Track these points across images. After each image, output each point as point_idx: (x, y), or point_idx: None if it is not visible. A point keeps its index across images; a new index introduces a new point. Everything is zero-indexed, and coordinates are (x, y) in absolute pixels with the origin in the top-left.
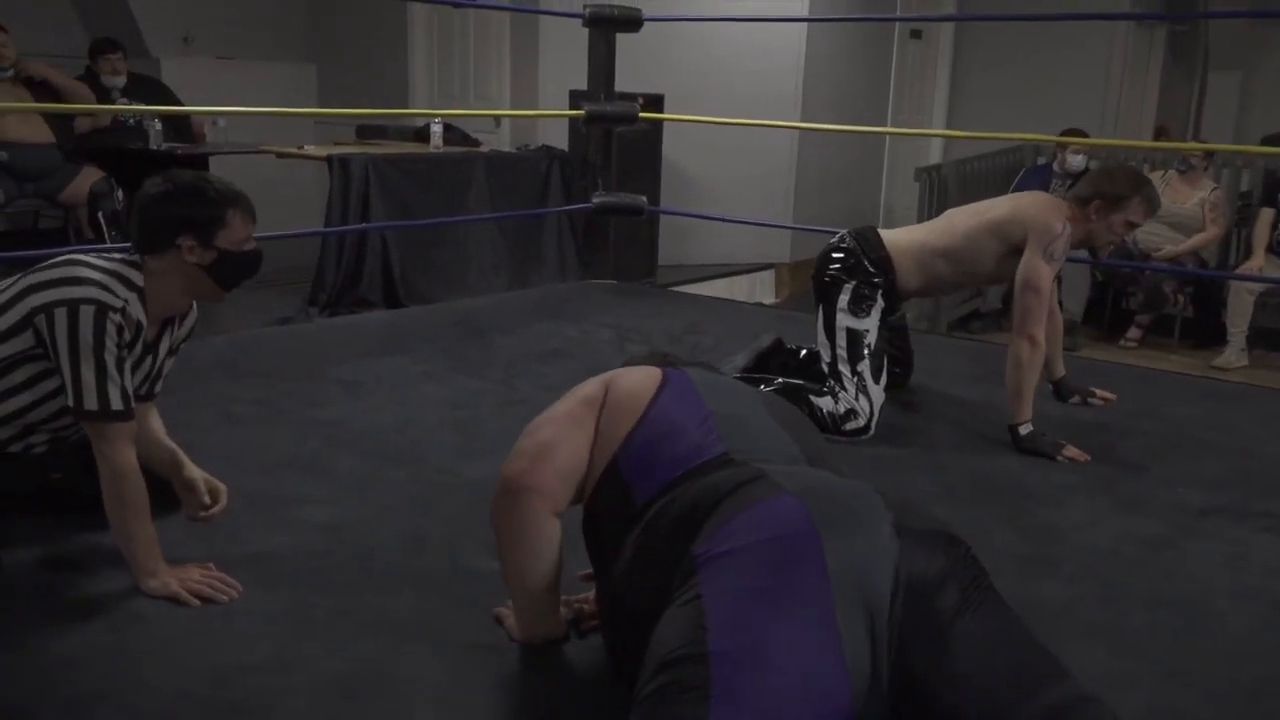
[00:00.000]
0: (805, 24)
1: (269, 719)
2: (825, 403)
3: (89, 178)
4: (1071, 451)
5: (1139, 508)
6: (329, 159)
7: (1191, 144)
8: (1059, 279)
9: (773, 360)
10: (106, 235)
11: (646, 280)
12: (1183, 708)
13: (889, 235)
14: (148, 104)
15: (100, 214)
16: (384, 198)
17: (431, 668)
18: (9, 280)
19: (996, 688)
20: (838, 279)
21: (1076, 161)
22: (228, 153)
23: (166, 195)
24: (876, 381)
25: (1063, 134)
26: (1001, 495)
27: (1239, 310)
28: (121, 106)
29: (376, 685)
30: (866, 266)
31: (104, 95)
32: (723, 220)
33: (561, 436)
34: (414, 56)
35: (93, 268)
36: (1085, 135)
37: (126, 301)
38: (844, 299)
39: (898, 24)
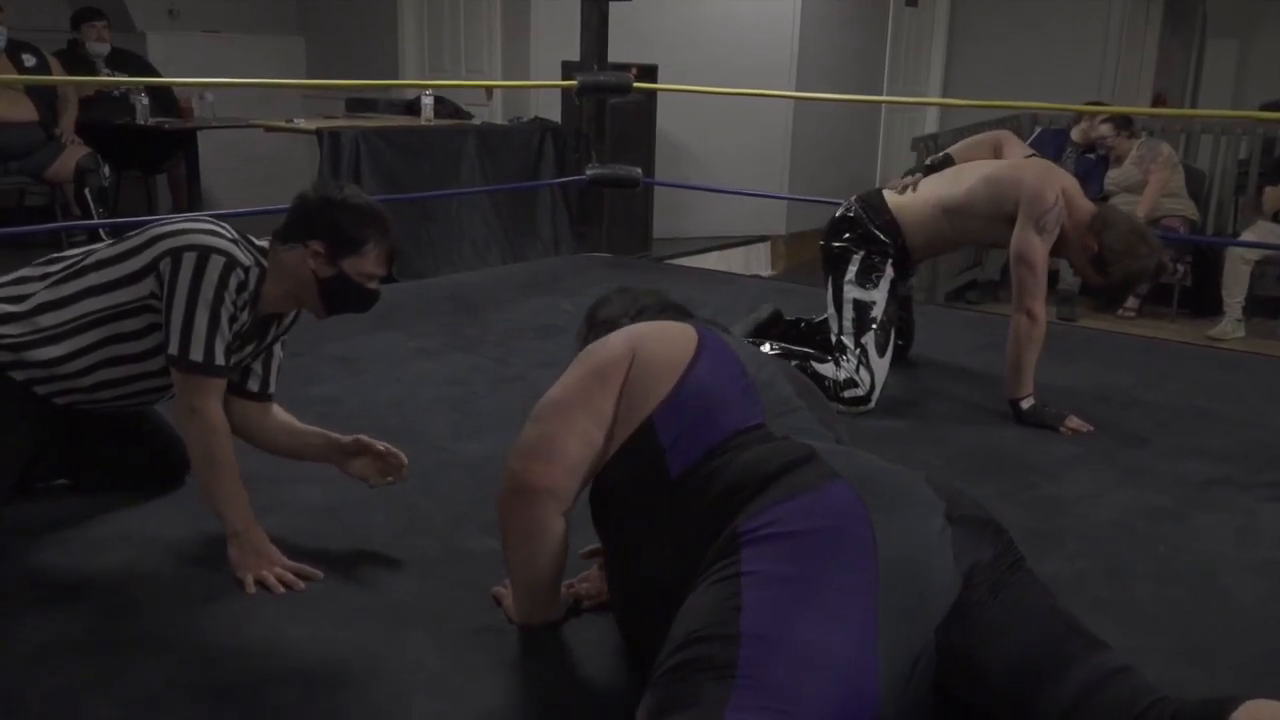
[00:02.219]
0: None
1: (260, 703)
2: (827, 369)
3: (75, 154)
4: (1074, 423)
5: (1143, 479)
6: (318, 132)
7: (1190, 110)
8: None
9: (772, 331)
10: (94, 211)
11: (641, 253)
12: (1192, 683)
13: (894, 197)
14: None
15: (87, 190)
16: (375, 171)
17: (429, 650)
18: (135, 231)
19: (1038, 657)
20: (846, 250)
21: (1105, 130)
22: (216, 127)
23: (327, 198)
24: (881, 355)
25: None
26: (1004, 468)
27: (1235, 280)
28: (109, 78)
29: (372, 668)
30: (875, 233)
31: (89, 66)
32: (718, 192)
33: (571, 428)
34: (404, 28)
35: (227, 230)
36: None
37: (249, 270)
38: (852, 270)
39: None
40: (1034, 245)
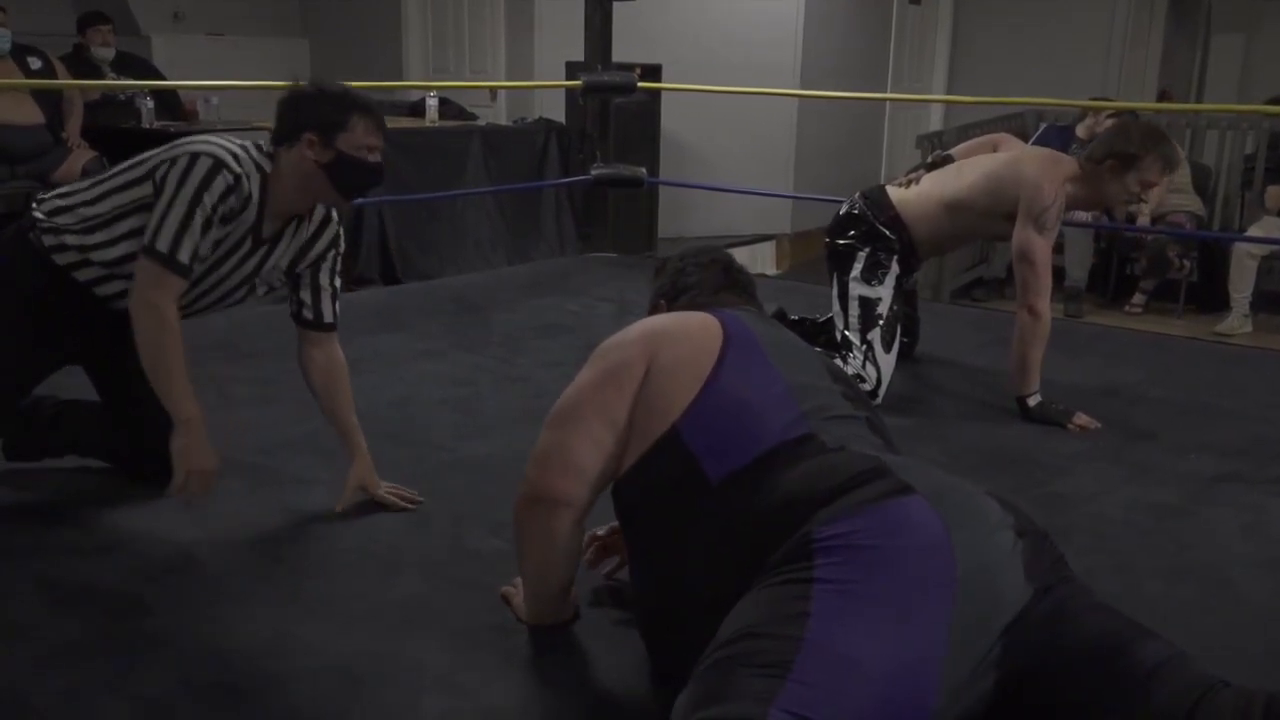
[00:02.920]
0: None
1: (270, 705)
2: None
3: (81, 157)
4: (1082, 419)
5: (1151, 475)
6: None
7: (1195, 105)
8: (1059, 246)
9: None
10: None
11: (647, 253)
12: None
13: (897, 192)
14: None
15: None
16: None
17: (437, 651)
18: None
19: (1098, 648)
20: (852, 247)
21: (1110, 126)
22: (221, 130)
23: (303, 93)
24: (887, 351)
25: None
26: (1011, 465)
27: (1241, 275)
28: (115, 82)
29: (381, 669)
30: (879, 230)
31: (94, 70)
32: (723, 191)
33: (585, 436)
34: (408, 30)
35: (229, 142)
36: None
37: (245, 175)
38: (857, 266)
39: None
40: (1034, 243)
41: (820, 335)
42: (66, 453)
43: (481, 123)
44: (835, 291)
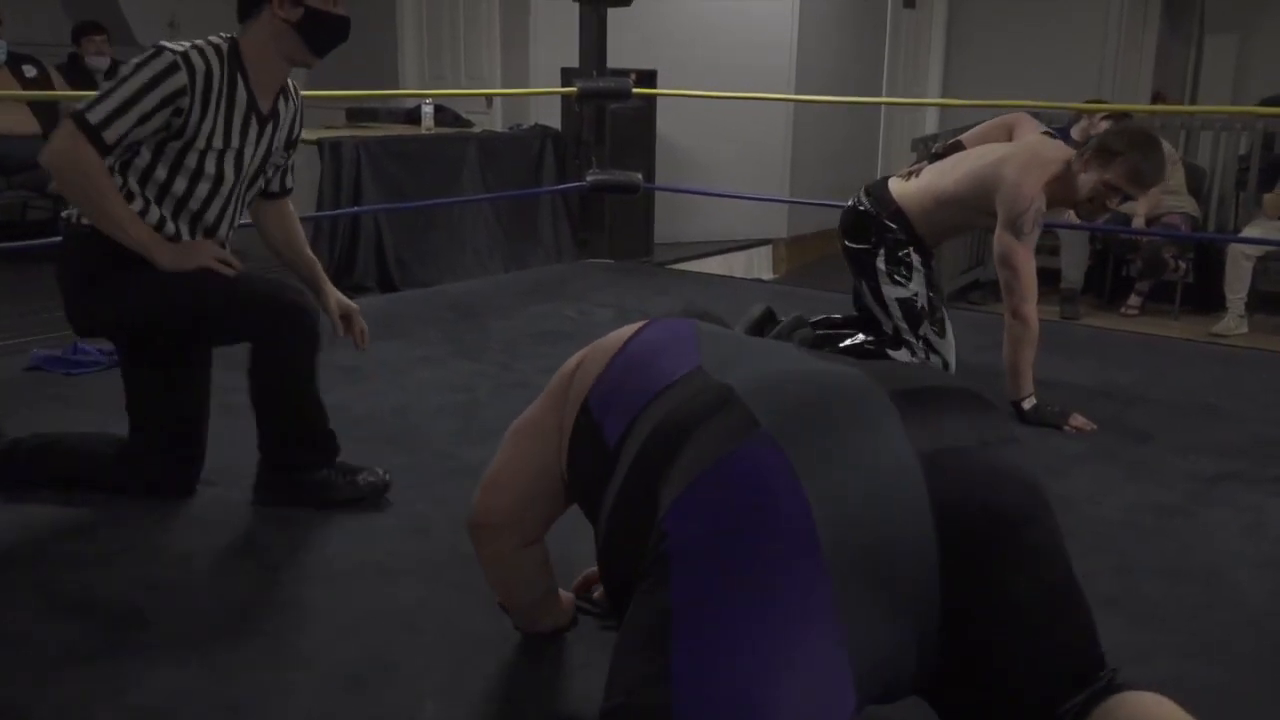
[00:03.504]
0: None
1: (270, 714)
2: (902, 355)
3: None
4: (1078, 421)
5: (1150, 476)
6: (319, 143)
7: (1189, 107)
8: (1055, 249)
9: (766, 329)
10: None
11: (644, 259)
12: (1204, 679)
13: (898, 185)
14: None
15: None
16: (376, 181)
17: (437, 658)
18: None
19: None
20: (868, 251)
21: (1105, 128)
22: None
23: None
24: (942, 336)
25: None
26: None
27: (1237, 276)
28: None
29: (381, 676)
30: (887, 225)
31: (88, 80)
32: (719, 196)
33: (521, 456)
34: (403, 37)
35: (201, 41)
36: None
37: (201, 54)
38: (882, 269)
39: None
40: (1013, 248)
41: (840, 335)
42: (44, 479)
43: (477, 130)
44: (870, 299)
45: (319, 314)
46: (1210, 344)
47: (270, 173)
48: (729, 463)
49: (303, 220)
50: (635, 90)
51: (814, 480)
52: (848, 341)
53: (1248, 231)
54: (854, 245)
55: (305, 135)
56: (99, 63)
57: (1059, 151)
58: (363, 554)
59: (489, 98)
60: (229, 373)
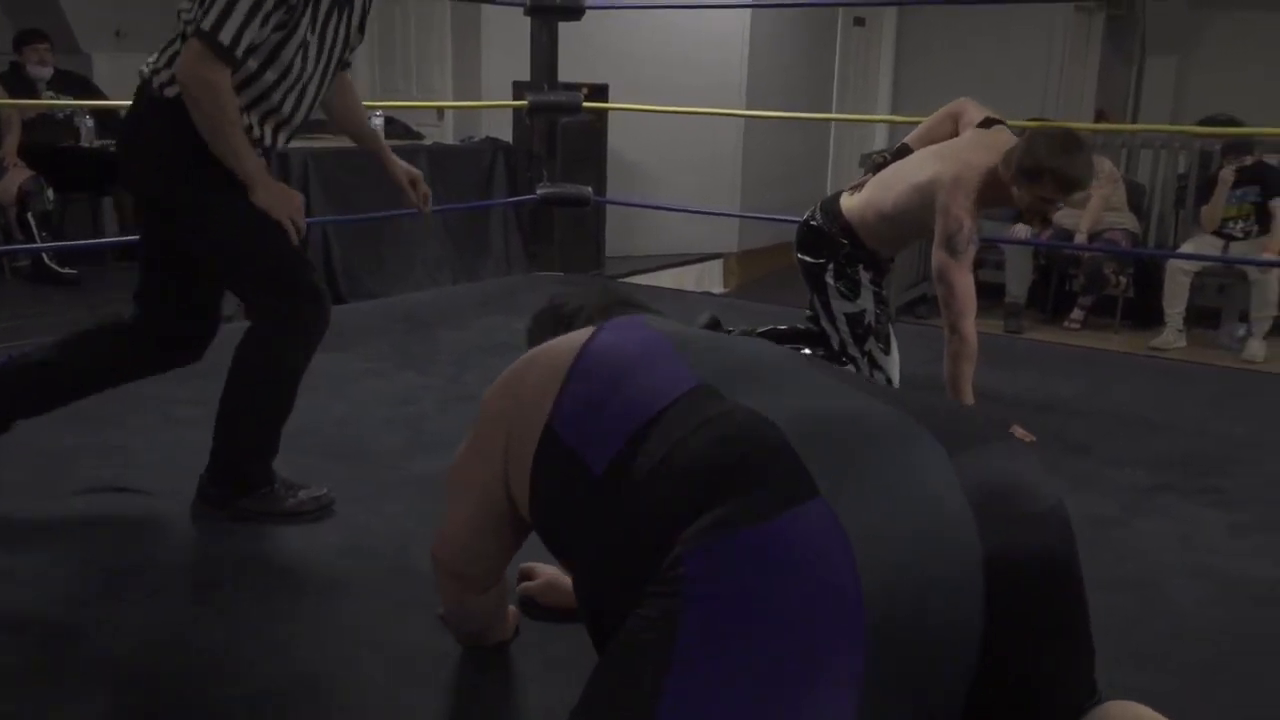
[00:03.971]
0: (749, 12)
1: None
2: (849, 370)
3: (17, 177)
4: (1018, 433)
5: (1088, 488)
6: (266, 153)
7: (1130, 126)
8: (999, 264)
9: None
10: (36, 235)
11: (594, 272)
12: (1136, 688)
13: (846, 200)
14: (74, 100)
15: (30, 213)
16: (324, 192)
17: (376, 674)
18: None
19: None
20: (819, 265)
21: None
22: None
23: None
24: (887, 353)
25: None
26: None
27: (1175, 291)
28: (52, 101)
29: (317, 694)
30: (838, 240)
31: (29, 89)
32: (669, 210)
33: (463, 505)
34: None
35: None
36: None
37: None
38: (832, 284)
39: (841, 11)
40: (949, 265)
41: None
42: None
43: (428, 142)
44: (820, 311)
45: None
46: (1149, 357)
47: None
48: (782, 529)
49: None
50: (586, 104)
51: (872, 571)
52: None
53: (1185, 248)
54: (807, 260)
55: None
56: (41, 72)
57: (991, 153)
58: (305, 567)
59: (440, 110)
60: (171, 385)
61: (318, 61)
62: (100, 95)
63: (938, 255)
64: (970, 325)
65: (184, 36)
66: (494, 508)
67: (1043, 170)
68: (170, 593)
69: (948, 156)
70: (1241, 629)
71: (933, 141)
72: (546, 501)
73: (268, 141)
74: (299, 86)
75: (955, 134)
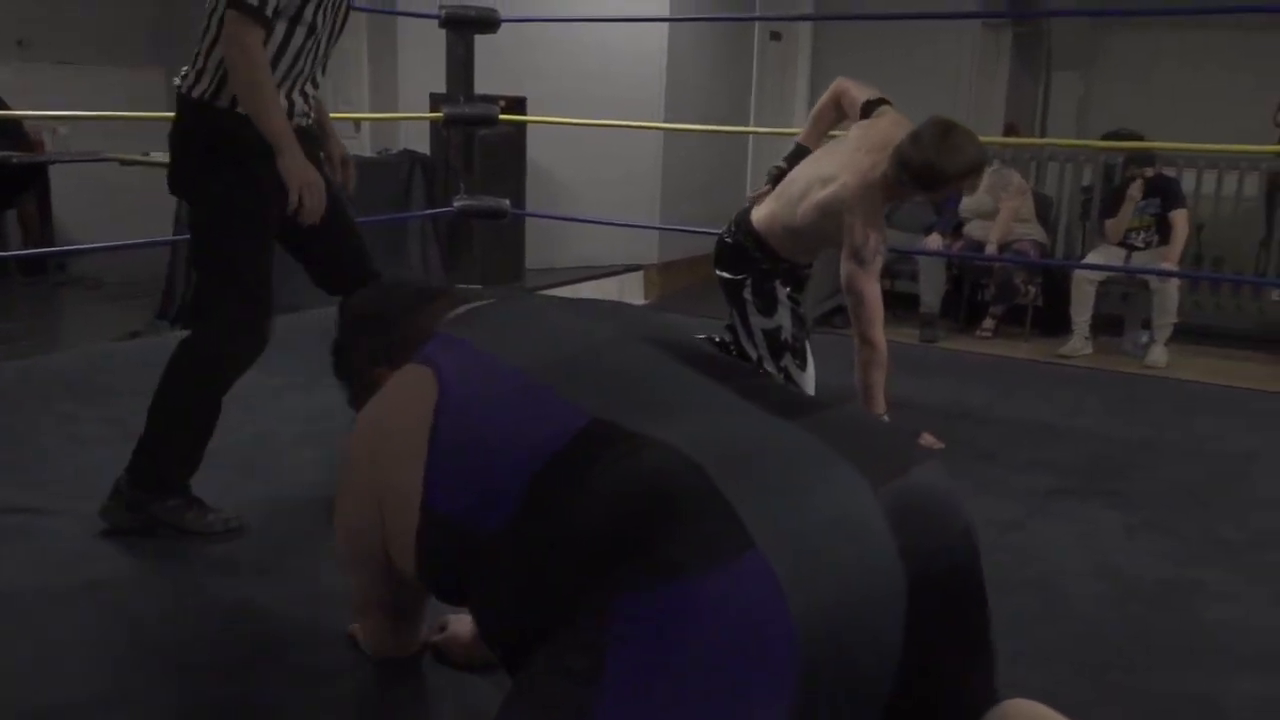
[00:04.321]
0: (666, 26)
1: None
2: None
3: None
4: (927, 440)
5: (992, 492)
6: None
7: (1037, 140)
8: (914, 274)
9: None
10: None
11: (514, 284)
12: (1035, 687)
13: (755, 214)
14: None
15: None
16: None
17: (285, 697)
18: None
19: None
20: (738, 281)
21: None
22: (69, 161)
23: None
24: (803, 369)
25: None
26: None
27: (1081, 300)
28: None
29: (228, 711)
30: (753, 255)
31: None
32: (589, 222)
33: (364, 579)
34: None
35: None
36: None
37: None
38: (750, 299)
39: (757, 25)
40: (857, 275)
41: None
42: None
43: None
44: (739, 326)
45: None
46: (1055, 365)
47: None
48: (719, 582)
49: (159, 245)
50: (503, 117)
51: (806, 619)
52: None
53: (1090, 258)
54: (726, 276)
55: (161, 158)
56: None
57: (882, 153)
58: (214, 586)
59: (356, 122)
60: (79, 404)
61: (326, 17)
62: (2, 106)
63: (846, 266)
64: (879, 333)
65: (207, 30)
66: (392, 575)
67: (936, 174)
68: (70, 620)
69: (847, 166)
70: (1137, 627)
71: (823, 132)
72: (439, 568)
73: (297, 113)
74: (317, 45)
75: (843, 118)
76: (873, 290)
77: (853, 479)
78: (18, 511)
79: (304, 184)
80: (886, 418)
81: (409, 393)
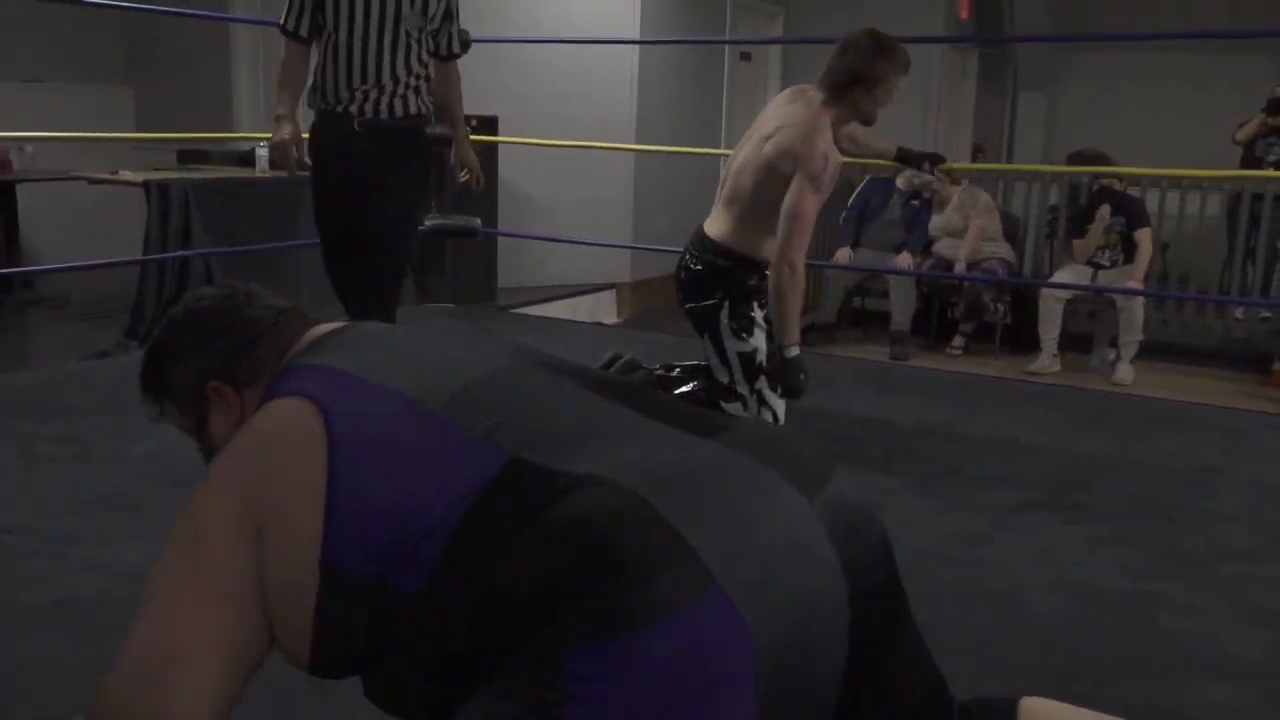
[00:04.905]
0: (637, 47)
1: None
2: (735, 408)
3: None
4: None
5: (958, 506)
6: (145, 184)
7: (1003, 165)
8: (884, 292)
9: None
10: None
11: (487, 303)
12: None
13: (708, 228)
14: None
15: None
16: (207, 224)
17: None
18: None
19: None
20: (710, 305)
21: (920, 179)
22: (37, 179)
23: None
24: (775, 391)
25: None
26: None
27: (1049, 318)
28: None
29: None
30: (721, 267)
31: None
32: (560, 241)
33: (199, 638)
34: (238, 78)
35: None
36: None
37: None
38: (725, 321)
39: (728, 47)
40: (808, 202)
41: (684, 383)
42: None
43: None
44: (713, 351)
45: None
46: (1025, 381)
47: (431, 37)
48: (682, 625)
49: (128, 264)
50: (474, 136)
51: (767, 651)
52: (683, 389)
53: (1058, 276)
54: (696, 304)
55: (131, 177)
56: None
57: (802, 98)
58: None
59: None
60: (36, 422)
61: (366, 16)
62: None
63: (799, 193)
64: (803, 259)
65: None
66: (253, 626)
67: (885, 70)
68: (31, 636)
69: (780, 117)
70: (1102, 639)
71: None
72: (341, 636)
73: (368, 112)
74: (362, 36)
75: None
76: (814, 216)
77: (793, 498)
78: None
79: (274, 142)
80: (797, 349)
81: (291, 429)
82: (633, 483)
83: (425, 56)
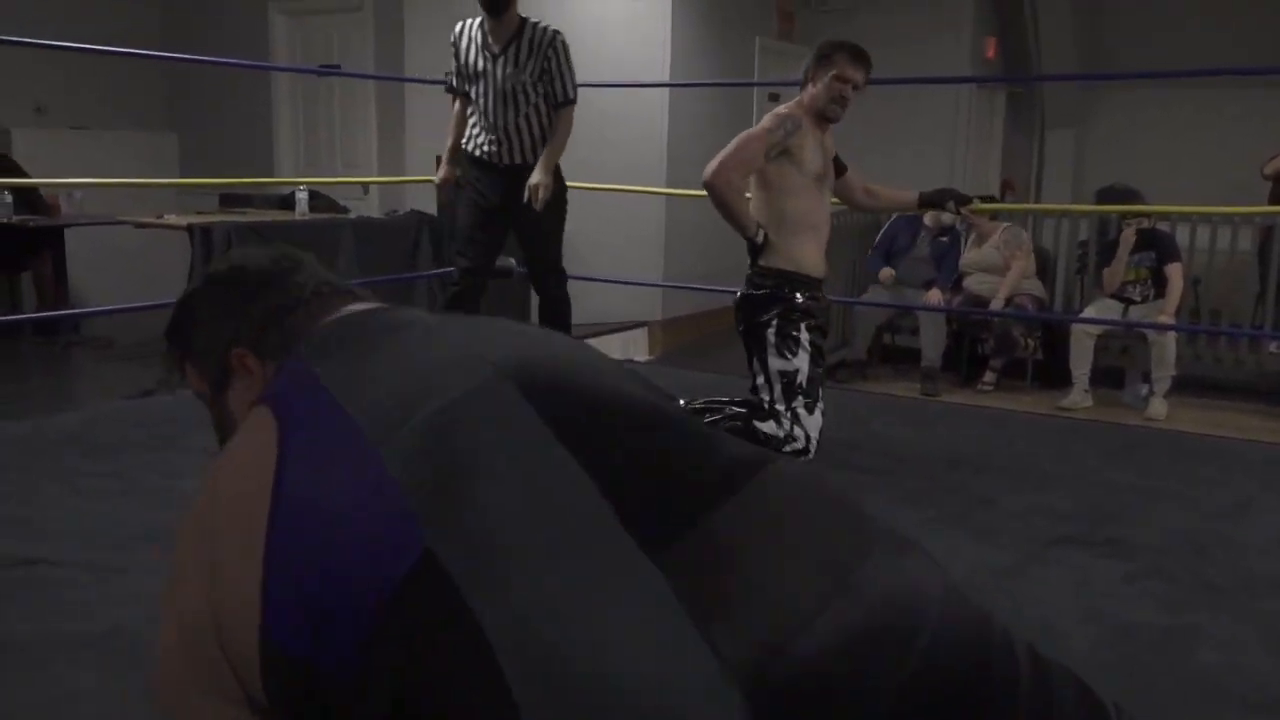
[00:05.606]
0: (667, 90)
1: None
2: (769, 427)
3: None
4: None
5: (991, 538)
6: (189, 228)
7: (1029, 205)
8: (914, 329)
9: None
10: None
11: None
12: None
13: (761, 261)
14: None
15: None
16: None
17: None
18: None
19: None
20: (760, 322)
21: (947, 218)
22: (85, 224)
23: None
24: (810, 413)
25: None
26: None
27: (1080, 353)
28: None
29: None
30: (768, 286)
31: None
32: (593, 280)
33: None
34: (279, 125)
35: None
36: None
37: (465, 27)
38: (772, 340)
39: (756, 88)
40: (751, 131)
41: (718, 406)
42: None
43: (352, 215)
44: (759, 367)
45: None
46: (1055, 417)
47: (540, 91)
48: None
49: (169, 304)
50: None
51: None
52: (722, 414)
53: (1088, 311)
54: (748, 323)
55: (175, 220)
56: None
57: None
58: None
59: (365, 185)
60: (82, 459)
61: (489, 81)
62: (19, 171)
63: (753, 130)
64: (740, 177)
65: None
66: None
67: (831, 54)
68: (79, 665)
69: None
70: (1135, 673)
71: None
72: (287, 706)
73: (497, 157)
74: (486, 96)
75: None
76: (752, 145)
77: (714, 682)
78: (24, 564)
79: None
80: (763, 233)
81: (251, 450)
82: (511, 665)
83: (541, 106)
